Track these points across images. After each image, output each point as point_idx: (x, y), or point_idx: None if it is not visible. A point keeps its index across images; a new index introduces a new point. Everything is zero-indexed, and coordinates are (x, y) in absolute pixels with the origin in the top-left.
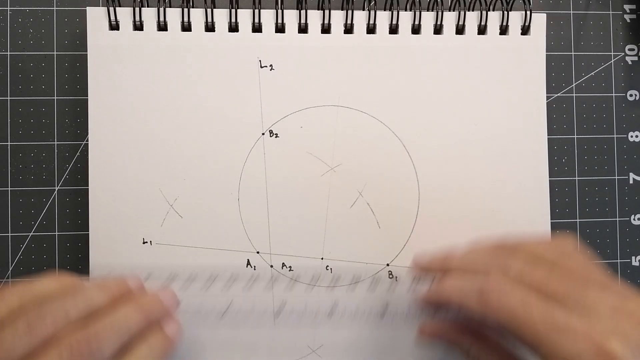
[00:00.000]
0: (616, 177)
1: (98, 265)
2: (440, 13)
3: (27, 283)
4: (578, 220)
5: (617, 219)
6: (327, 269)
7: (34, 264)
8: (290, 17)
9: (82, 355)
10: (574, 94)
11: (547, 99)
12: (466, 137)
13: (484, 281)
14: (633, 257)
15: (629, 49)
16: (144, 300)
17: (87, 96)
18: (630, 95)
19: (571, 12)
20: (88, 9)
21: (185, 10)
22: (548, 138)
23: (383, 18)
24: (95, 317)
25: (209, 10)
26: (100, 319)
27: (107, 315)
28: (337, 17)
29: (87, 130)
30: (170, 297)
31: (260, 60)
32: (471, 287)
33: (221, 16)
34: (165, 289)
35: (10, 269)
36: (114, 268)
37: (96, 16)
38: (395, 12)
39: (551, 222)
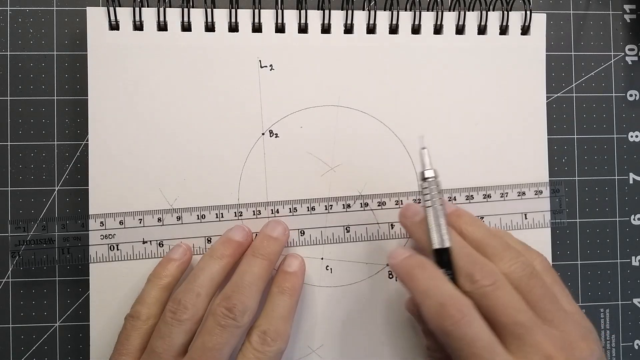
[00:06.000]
0: (616, 177)
1: (98, 266)
2: (440, 13)
3: (152, 281)
4: (578, 220)
5: (617, 219)
6: (327, 269)
7: (33, 264)
8: (290, 17)
9: (234, 319)
10: (574, 94)
11: (547, 99)
12: (466, 137)
13: (448, 298)
14: (633, 257)
15: (629, 49)
16: (260, 246)
17: (87, 96)
18: (630, 95)
19: (571, 12)
20: (88, 9)
21: (185, 10)
22: (548, 138)
23: (383, 18)
24: (228, 285)
25: (209, 10)
26: (234, 284)
27: (238, 277)
28: (337, 17)
29: (87, 130)
30: (281, 230)
31: (260, 60)
32: (435, 298)
33: (221, 16)
34: (273, 223)
35: (10, 269)
36: (114, 267)
37: (96, 16)
38: (395, 12)
39: (551, 222)
